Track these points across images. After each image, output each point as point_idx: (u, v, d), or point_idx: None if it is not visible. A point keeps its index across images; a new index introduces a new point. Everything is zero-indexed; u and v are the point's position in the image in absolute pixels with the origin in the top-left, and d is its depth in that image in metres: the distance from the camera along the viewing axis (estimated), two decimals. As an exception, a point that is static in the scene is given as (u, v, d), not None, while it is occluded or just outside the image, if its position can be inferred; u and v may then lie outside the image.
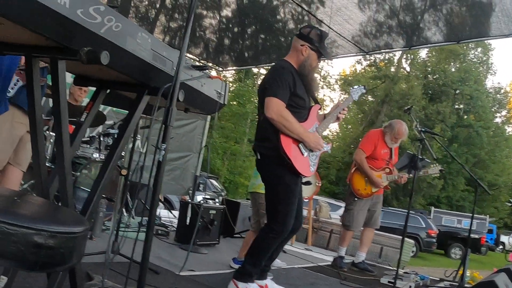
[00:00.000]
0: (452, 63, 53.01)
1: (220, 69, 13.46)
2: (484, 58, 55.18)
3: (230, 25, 11.37)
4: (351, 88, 6.08)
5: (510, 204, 44.34)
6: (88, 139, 7.87)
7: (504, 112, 58.48)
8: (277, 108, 4.86)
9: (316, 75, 5.36)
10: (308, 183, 5.81)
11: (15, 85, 4.53)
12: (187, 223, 7.62)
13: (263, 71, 44.76)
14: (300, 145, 4.98)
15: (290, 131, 4.88)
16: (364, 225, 8.20)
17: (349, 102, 5.80)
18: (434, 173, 8.50)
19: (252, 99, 38.35)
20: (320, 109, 5.36)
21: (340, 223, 9.16)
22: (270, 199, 5.09)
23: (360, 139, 48.43)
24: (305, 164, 5.04)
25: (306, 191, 7.94)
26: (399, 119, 8.25)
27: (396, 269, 6.96)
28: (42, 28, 2.08)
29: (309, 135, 4.99)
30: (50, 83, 2.56)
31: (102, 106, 5.20)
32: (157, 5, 10.43)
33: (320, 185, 8.48)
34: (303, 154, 5.00)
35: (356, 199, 8.00)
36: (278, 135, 4.90)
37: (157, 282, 5.03)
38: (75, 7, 2.12)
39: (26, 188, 6.68)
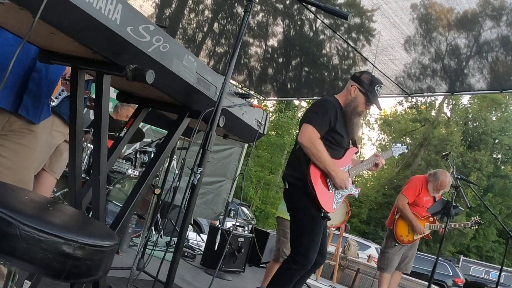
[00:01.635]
0: (493, 112, 52.49)
1: (262, 98, 13.50)
2: (527, 110, 54.66)
3: (275, 55, 11.41)
4: (393, 144, 6.07)
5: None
6: (128, 154, 7.94)
7: (542, 166, 57.80)
8: (309, 135, 4.88)
9: (360, 121, 5.33)
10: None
11: (59, 94, 4.59)
12: (215, 248, 7.62)
13: (304, 104, 44.99)
14: (327, 179, 4.97)
15: (319, 161, 4.87)
16: (394, 267, 8.13)
17: (388, 156, 5.80)
18: (472, 224, 8.44)
19: (290, 131, 38.41)
20: (357, 153, 5.36)
21: (368, 263, 9.08)
22: (295, 230, 5.07)
23: (395, 180, 48.22)
24: (329, 199, 5.00)
25: (334, 219, 7.93)
26: (443, 170, 8.18)
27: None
28: (91, 41, 2.10)
29: (337, 170, 4.94)
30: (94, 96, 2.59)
31: (141, 124, 5.24)
32: (205, 29, 10.52)
33: (349, 215, 8.42)
34: (328, 189, 4.99)
35: (396, 244, 7.94)
36: (308, 164, 4.92)
37: (179, 303, 5.04)
38: (126, 24, 2.15)
39: (58, 196, 6.74)
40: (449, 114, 53.11)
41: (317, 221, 4.93)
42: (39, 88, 2.95)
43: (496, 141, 50.49)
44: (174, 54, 2.50)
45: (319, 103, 5.19)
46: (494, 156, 51.82)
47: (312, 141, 4.85)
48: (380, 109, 5.26)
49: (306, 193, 4.92)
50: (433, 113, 52.04)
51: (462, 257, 34.50)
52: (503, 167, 51.02)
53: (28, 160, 2.97)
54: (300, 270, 4.94)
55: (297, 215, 5.09)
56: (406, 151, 6.06)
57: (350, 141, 5.32)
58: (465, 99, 52.77)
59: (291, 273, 4.96)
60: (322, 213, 4.91)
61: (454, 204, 7.30)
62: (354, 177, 5.33)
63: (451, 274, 24.47)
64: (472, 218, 8.72)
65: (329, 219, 4.97)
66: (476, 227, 8.68)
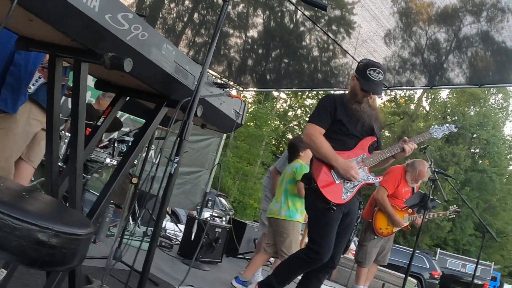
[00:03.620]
0: (472, 107, 52.92)
1: (241, 88, 13.49)
2: (504, 105, 55.19)
3: (255, 46, 11.40)
4: (434, 126, 5.68)
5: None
6: (107, 142, 7.91)
7: (519, 160, 58.39)
8: (308, 132, 4.94)
9: (366, 107, 5.14)
10: None
11: (36, 81, 4.55)
12: (192, 238, 7.61)
13: (283, 95, 45.05)
14: (332, 171, 4.90)
15: (319, 153, 4.89)
16: (371, 259, 8.09)
17: (422, 139, 5.46)
18: (450, 213, 8.50)
19: (269, 122, 38.37)
20: (376, 141, 5.18)
21: (345, 255, 9.05)
22: (309, 228, 5.05)
23: (373, 173, 48.61)
24: (337, 190, 4.90)
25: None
26: (421, 159, 8.15)
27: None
28: (69, 29, 2.09)
29: (338, 160, 4.86)
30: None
31: (119, 113, 5.20)
32: (185, 19, 10.48)
33: None
34: (335, 181, 4.90)
35: (375, 237, 7.89)
36: (313, 159, 4.99)
37: (155, 293, 5.03)
38: (104, 12, 2.14)
39: (35, 185, 6.70)
40: (428, 108, 53.44)
41: (326, 214, 4.85)
42: (18, 81, 2.94)
43: (474, 135, 50.93)
44: (152, 43, 2.49)
45: (319, 102, 5.23)
46: (472, 150, 52.28)
47: (311, 137, 4.90)
48: (375, 93, 5.06)
49: (312, 188, 4.94)
50: (412, 106, 52.32)
51: (439, 250, 34.79)
52: (480, 161, 51.53)
53: (8, 146, 2.96)
54: (309, 263, 4.85)
55: (309, 211, 5.12)
56: (455, 130, 5.65)
57: (368, 131, 5.13)
58: (444, 94, 53.24)
59: (300, 264, 4.89)
60: (330, 204, 4.81)
61: (431, 197, 7.31)
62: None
63: (428, 267, 24.58)
64: (450, 207, 8.75)
65: (334, 209, 4.86)
66: (454, 215, 8.70)
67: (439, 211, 9.26)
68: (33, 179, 6.54)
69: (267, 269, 8.11)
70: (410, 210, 7.92)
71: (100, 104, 7.91)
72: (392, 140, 50.21)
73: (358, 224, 5.29)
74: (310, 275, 5.07)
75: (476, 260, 8.44)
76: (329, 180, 4.90)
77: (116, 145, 7.75)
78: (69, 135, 6.56)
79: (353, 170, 4.88)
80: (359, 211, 5.21)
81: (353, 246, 19.62)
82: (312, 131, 4.92)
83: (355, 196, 5.05)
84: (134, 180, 6.53)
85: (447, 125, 5.61)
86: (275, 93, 40.98)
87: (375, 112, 5.13)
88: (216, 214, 11.87)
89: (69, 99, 7.96)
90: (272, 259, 7.40)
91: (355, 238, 22.40)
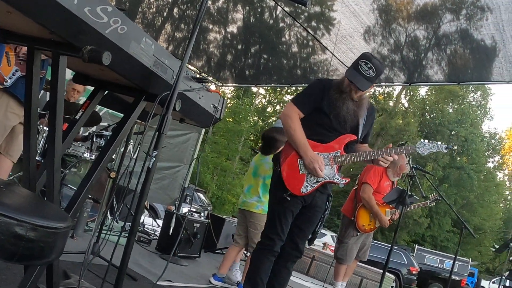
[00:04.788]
0: (450, 104, 53.22)
1: (220, 84, 13.47)
2: (483, 102, 55.54)
3: (235, 42, 11.39)
4: (423, 140, 5.35)
5: (494, 250, 44.48)
6: (86, 134, 7.87)
7: (497, 158, 59.10)
8: (286, 112, 4.84)
9: (350, 101, 4.83)
10: None
11: (13, 75, 4.52)
12: (170, 233, 7.60)
13: (262, 91, 45.02)
14: (300, 160, 4.75)
15: (290, 138, 4.79)
16: (351, 256, 8.07)
17: (407, 152, 5.42)
18: (431, 202, 8.52)
19: (248, 118, 38.32)
20: (355, 141, 4.98)
21: (323, 251, 9.05)
22: (267, 210, 5.04)
23: (351, 169, 48.56)
24: (298, 181, 4.77)
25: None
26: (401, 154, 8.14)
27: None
28: (48, 21, 2.08)
29: (307, 151, 4.70)
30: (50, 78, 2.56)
31: (98, 107, 5.16)
32: (164, 14, 10.45)
33: None
34: (299, 171, 4.76)
35: (358, 234, 7.85)
36: (287, 142, 4.91)
37: (133, 288, 5.02)
38: (83, 5, 2.13)
39: (13, 179, 6.66)
40: (406, 105, 53.66)
41: (281, 202, 4.78)
42: None
43: (453, 132, 51.21)
44: (131, 36, 2.48)
45: (310, 83, 5.12)
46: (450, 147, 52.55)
47: (288, 120, 4.78)
48: (355, 84, 4.70)
49: (276, 172, 4.89)
50: (390, 103, 52.47)
51: (417, 246, 34.98)
52: (458, 158, 51.84)
53: None
54: (264, 251, 4.81)
55: (269, 196, 5.05)
56: (444, 151, 5.34)
57: (353, 128, 4.97)
58: (422, 91, 53.48)
59: (257, 255, 4.86)
60: (287, 194, 4.72)
61: (410, 193, 7.32)
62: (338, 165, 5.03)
63: (406, 262, 24.72)
64: (430, 196, 8.75)
65: (287, 200, 4.79)
66: (434, 204, 8.70)
67: (416, 211, 9.29)
68: (10, 173, 6.50)
69: (244, 264, 8.11)
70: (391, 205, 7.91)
71: (66, 89, 7.85)
72: (371, 137, 50.35)
73: (326, 216, 5.20)
74: (279, 267, 4.99)
75: (453, 256, 8.51)
76: (294, 169, 4.79)
77: (94, 139, 7.72)
78: (47, 129, 6.53)
79: (317, 164, 4.70)
80: (327, 203, 5.10)
81: (331, 242, 19.69)
82: (291, 113, 4.80)
83: (320, 190, 4.92)
84: (112, 175, 6.50)
85: (438, 143, 5.31)
86: (254, 89, 41.02)
87: (358, 108, 4.90)
88: (194, 209, 11.83)
89: (47, 93, 7.92)
90: (249, 254, 7.38)
91: (333, 234, 22.41)
